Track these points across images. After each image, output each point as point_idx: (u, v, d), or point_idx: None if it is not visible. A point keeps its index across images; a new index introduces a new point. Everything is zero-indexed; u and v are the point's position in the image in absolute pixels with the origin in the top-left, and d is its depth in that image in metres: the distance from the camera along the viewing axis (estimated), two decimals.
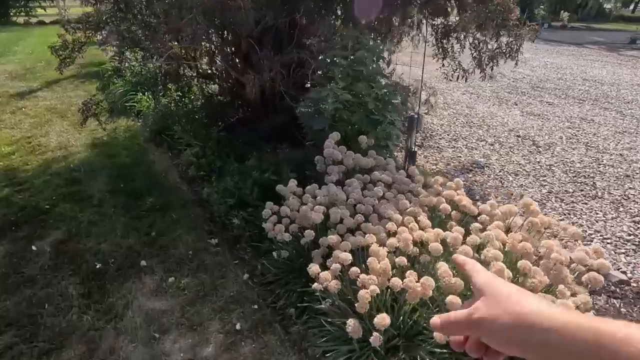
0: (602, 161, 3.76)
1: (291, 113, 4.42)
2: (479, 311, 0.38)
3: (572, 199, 3.08)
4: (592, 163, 3.72)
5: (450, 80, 3.09)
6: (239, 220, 2.40)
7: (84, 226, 2.60)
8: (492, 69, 3.07)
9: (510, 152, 3.99)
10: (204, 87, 4.22)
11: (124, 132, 4.45)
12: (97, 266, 2.22)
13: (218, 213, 2.68)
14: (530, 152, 4.00)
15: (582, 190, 3.20)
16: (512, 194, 3.07)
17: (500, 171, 3.54)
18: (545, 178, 3.41)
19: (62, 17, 4.51)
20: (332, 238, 1.64)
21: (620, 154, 3.92)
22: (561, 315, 0.34)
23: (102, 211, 2.79)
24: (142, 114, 4.82)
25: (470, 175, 3.44)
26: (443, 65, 3.10)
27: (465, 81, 3.14)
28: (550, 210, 2.92)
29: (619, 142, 4.28)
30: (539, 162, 3.73)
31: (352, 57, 2.64)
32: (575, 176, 3.44)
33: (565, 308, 0.44)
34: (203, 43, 3.87)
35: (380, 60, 2.61)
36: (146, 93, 4.83)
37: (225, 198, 2.56)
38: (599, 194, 3.15)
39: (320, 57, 2.94)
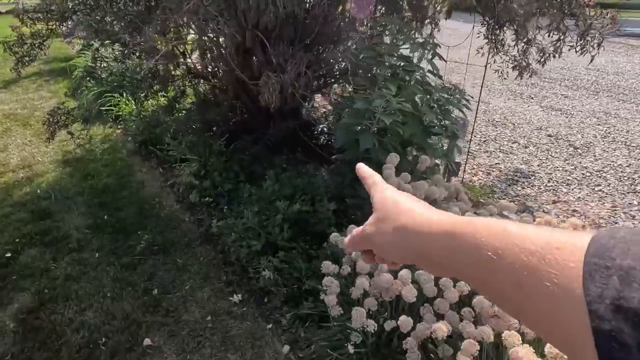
0: None
1: (298, 116, 3.83)
2: (370, 227, 0.40)
3: None
4: None
5: (505, 78, 2.61)
6: (271, 271, 1.84)
7: (59, 284, 1.97)
8: (544, 65, 2.61)
9: (550, 156, 3.57)
10: (198, 88, 3.57)
11: (101, 143, 3.75)
12: (81, 351, 1.62)
13: (237, 255, 2.11)
14: (570, 154, 3.60)
15: None
16: (574, 212, 2.64)
17: (549, 181, 3.11)
18: (600, 187, 3.01)
19: (16, 6, 3.69)
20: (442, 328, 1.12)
21: None
22: (430, 217, 0.36)
23: (82, 258, 2.16)
24: (122, 119, 4.12)
25: (518, 188, 3.00)
26: (495, 61, 2.61)
27: (521, 78, 2.66)
28: None
29: None
30: (585, 168, 3.33)
31: (395, 53, 2.09)
32: (632, 184, 3.06)
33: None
34: (193, 36, 3.22)
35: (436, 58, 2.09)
36: (125, 95, 4.12)
37: (248, 240, 1.99)
38: None
39: (341, 52, 2.38)
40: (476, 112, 2.35)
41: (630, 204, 2.79)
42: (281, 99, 2.43)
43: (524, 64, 2.55)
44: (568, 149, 3.73)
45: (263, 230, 2.02)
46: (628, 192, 2.94)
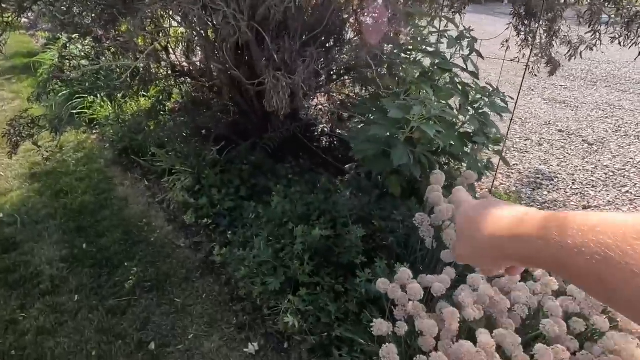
0: None
1: (296, 116, 3.48)
2: (453, 251, 0.44)
3: None
4: None
5: (536, 75, 2.36)
6: (293, 316, 1.53)
7: (30, 341, 1.60)
8: (573, 59, 2.36)
9: (567, 154, 3.38)
10: (185, 88, 3.17)
11: (74, 152, 3.31)
12: None
13: (247, 291, 1.78)
14: (587, 152, 3.42)
15: None
16: None
17: (573, 183, 2.91)
18: (627, 189, 2.83)
19: None
20: None
21: None
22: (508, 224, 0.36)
23: (58, 304, 1.79)
24: (98, 123, 3.66)
25: (544, 192, 2.78)
26: (524, 55, 2.34)
27: (555, 74, 2.41)
28: None
29: None
30: (606, 167, 3.15)
31: (427, 48, 1.79)
32: None
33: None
34: (178, 28, 2.82)
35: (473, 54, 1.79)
36: (100, 96, 3.65)
37: (262, 276, 1.67)
38: None
39: (359, 47, 2.06)
40: (512, 116, 2.08)
41: None
42: (290, 103, 2.10)
43: (557, 58, 2.30)
44: (582, 145, 3.55)
45: (279, 262, 1.70)
46: None
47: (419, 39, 1.76)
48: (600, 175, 3.02)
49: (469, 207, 0.42)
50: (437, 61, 1.72)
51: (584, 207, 2.60)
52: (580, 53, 2.33)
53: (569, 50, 2.41)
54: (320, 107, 3.77)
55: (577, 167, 3.15)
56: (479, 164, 1.75)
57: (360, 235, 1.64)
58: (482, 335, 1.03)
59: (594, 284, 0.27)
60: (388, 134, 1.64)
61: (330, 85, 3.31)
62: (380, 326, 1.11)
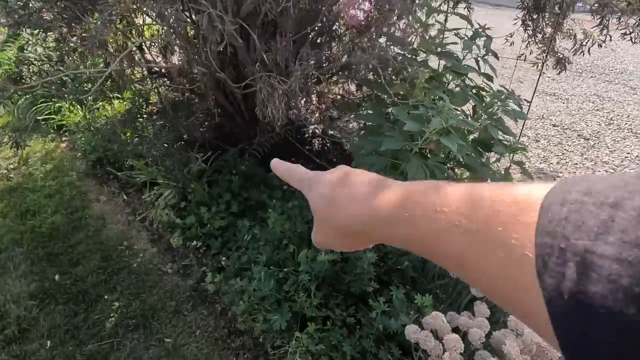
0: None
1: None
2: (313, 236, 0.38)
3: None
4: None
5: (543, 73, 2.23)
6: (303, 359, 1.35)
7: None
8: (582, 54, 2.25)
9: (565, 150, 3.30)
10: (165, 92, 2.90)
11: (42, 164, 2.99)
12: None
13: (247, 326, 1.59)
14: (585, 147, 3.36)
15: None
16: None
17: None
18: None
19: None
20: None
21: None
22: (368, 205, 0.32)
23: (27, 353, 1.55)
24: (67, 130, 3.34)
25: None
26: (531, 52, 2.21)
27: (565, 71, 2.29)
28: None
29: None
30: (606, 163, 3.09)
31: (438, 49, 1.61)
32: None
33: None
34: (150, 26, 2.55)
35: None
36: (69, 99, 3.32)
37: (265, 312, 1.48)
38: None
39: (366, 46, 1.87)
40: (524, 121, 1.94)
41: None
42: (285, 110, 1.89)
43: (564, 54, 2.17)
44: (579, 140, 3.49)
45: (283, 295, 1.52)
46: None
47: (428, 38, 1.58)
48: (602, 172, 2.96)
49: (323, 186, 0.35)
50: (449, 64, 1.55)
51: None
52: (589, 49, 2.22)
53: (574, 46, 2.30)
54: (309, 106, 3.56)
55: (577, 164, 3.08)
56: (497, 175, 1.60)
57: (372, 261, 1.47)
58: None
59: (453, 268, 0.26)
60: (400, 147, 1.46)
61: (322, 84, 3.10)
62: None
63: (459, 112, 1.46)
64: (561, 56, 2.21)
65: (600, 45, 2.15)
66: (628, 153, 3.24)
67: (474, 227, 0.23)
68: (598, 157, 3.19)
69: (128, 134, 2.85)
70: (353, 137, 3.73)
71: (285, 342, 1.47)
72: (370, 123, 1.78)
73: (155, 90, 2.90)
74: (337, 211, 0.33)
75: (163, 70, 2.78)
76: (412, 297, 1.47)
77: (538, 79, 2.01)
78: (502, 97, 1.66)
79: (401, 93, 1.60)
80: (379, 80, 1.72)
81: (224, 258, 1.84)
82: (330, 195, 0.34)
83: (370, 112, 1.78)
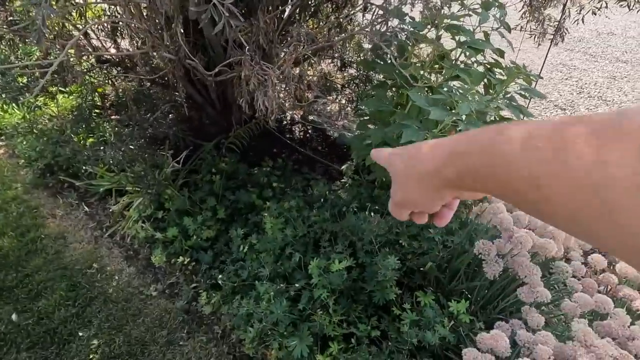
0: None
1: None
2: (393, 201, 0.40)
3: None
4: None
5: (540, 44, 2.12)
6: None
7: None
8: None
9: None
10: (119, 81, 2.51)
11: None
12: None
13: (256, 352, 1.40)
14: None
15: None
16: None
17: None
18: None
19: None
20: None
21: None
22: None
23: None
24: (4, 134, 2.85)
25: None
26: (530, 27, 2.09)
27: (563, 41, 2.19)
28: None
29: (620, 90, 3.95)
30: None
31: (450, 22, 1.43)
32: None
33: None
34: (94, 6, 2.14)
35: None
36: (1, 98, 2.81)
37: (279, 337, 1.28)
38: None
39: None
40: (543, 97, 1.83)
41: None
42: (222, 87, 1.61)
43: (562, 26, 2.07)
44: (556, 111, 3.52)
45: (298, 314, 1.33)
46: None
47: (441, 11, 1.39)
48: None
49: (400, 151, 0.39)
50: (464, 39, 1.38)
51: None
52: (582, 18, 2.15)
53: (562, 15, 2.21)
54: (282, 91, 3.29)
55: None
56: None
57: (395, 267, 1.32)
58: None
59: (533, 191, 0.24)
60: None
61: (300, 65, 2.84)
62: None
63: (482, 95, 1.30)
64: (562, 27, 2.11)
65: (594, 13, 2.08)
66: None
67: (555, 146, 0.22)
68: None
69: (81, 135, 2.46)
70: (334, 121, 3.52)
71: None
72: (375, 110, 1.58)
73: (109, 82, 2.50)
74: (418, 160, 0.35)
75: (114, 57, 2.39)
76: (440, 302, 1.34)
77: (546, 54, 1.90)
78: (519, 74, 1.52)
79: (406, 75, 1.41)
80: (372, 58, 1.52)
81: (219, 274, 1.60)
82: (411, 153, 0.37)
83: (374, 97, 1.57)
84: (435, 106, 1.21)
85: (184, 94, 2.22)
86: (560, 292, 1.14)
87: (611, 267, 1.21)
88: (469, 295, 1.32)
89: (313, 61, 2.64)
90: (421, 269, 1.43)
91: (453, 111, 1.20)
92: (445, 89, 1.26)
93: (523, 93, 1.46)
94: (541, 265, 1.13)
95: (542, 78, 1.66)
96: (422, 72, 1.44)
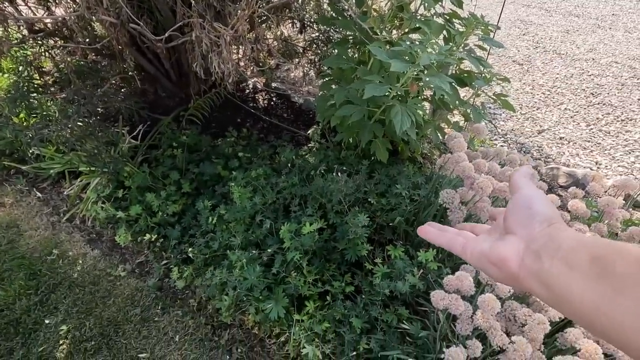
0: (590, 71, 3.48)
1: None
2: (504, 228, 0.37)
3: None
4: (589, 77, 3.40)
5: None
6: (311, 344, 1.22)
7: None
8: None
9: None
10: (59, 53, 2.28)
11: None
12: None
13: (233, 320, 1.40)
14: (521, 73, 3.47)
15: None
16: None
17: (520, 107, 2.92)
18: (565, 105, 2.94)
19: None
20: None
21: (594, 59, 3.71)
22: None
23: None
24: None
25: (501, 122, 2.74)
26: None
27: None
28: None
29: (573, 43, 4.09)
30: (541, 86, 3.23)
31: None
32: (586, 96, 3.06)
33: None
34: None
35: None
36: None
37: (255, 302, 1.29)
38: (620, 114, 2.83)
39: None
40: (501, 47, 1.84)
41: (598, 118, 2.78)
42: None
43: None
44: (514, 66, 3.60)
45: (273, 279, 1.33)
46: (588, 106, 2.94)
47: None
48: (540, 95, 3.10)
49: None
50: None
51: (539, 132, 2.64)
52: None
53: None
54: (246, 56, 3.15)
55: (518, 90, 3.19)
56: (479, 112, 1.51)
57: (365, 224, 1.33)
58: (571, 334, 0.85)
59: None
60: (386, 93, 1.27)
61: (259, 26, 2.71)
62: (457, 357, 0.86)
63: (442, 46, 1.29)
64: None
65: None
66: (557, 74, 3.43)
67: None
68: (534, 80, 3.33)
69: (22, 116, 2.25)
70: (298, 87, 3.43)
71: (285, 328, 1.32)
72: (337, 68, 1.54)
73: (47, 55, 2.27)
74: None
75: (50, 26, 2.16)
76: (410, 254, 1.38)
77: (503, 6, 1.89)
78: (477, 25, 1.51)
79: (366, 27, 1.37)
80: (341, 15, 1.46)
81: (189, 248, 1.57)
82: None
83: (339, 56, 1.52)
84: (396, 58, 1.18)
85: (132, 63, 2.06)
86: None
87: (564, 208, 1.29)
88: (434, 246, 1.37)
89: (271, 22, 2.52)
90: (390, 224, 1.46)
91: (414, 63, 1.18)
92: (407, 42, 1.23)
93: (482, 44, 1.46)
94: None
95: (499, 28, 1.66)
96: (381, 26, 1.40)
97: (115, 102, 2.31)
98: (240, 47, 1.48)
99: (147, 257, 1.73)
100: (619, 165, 2.29)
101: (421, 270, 1.28)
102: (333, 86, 1.65)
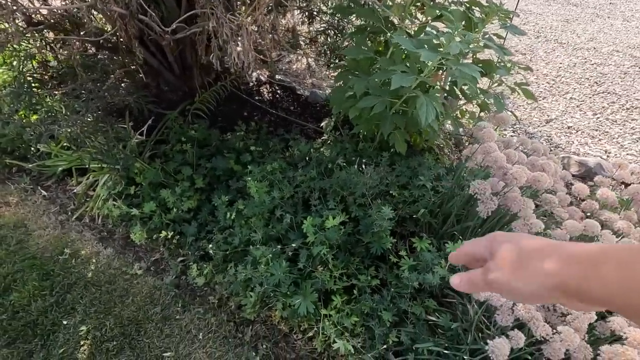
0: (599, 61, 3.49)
1: (221, 66, 2.88)
2: (492, 273, 0.39)
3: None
4: (592, 66, 3.41)
5: None
6: (342, 338, 1.21)
7: None
8: None
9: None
10: (60, 47, 2.21)
11: None
12: None
13: (257, 315, 1.38)
14: (524, 63, 3.47)
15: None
16: None
17: None
18: (570, 95, 2.95)
19: None
20: None
21: (595, 48, 3.72)
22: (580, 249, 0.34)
23: None
24: None
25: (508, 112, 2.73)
26: None
27: None
28: None
29: (574, 32, 4.09)
30: (546, 75, 3.24)
31: None
32: (590, 85, 3.07)
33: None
34: None
35: None
36: None
37: (282, 297, 1.27)
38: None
39: None
40: (523, 34, 1.82)
41: (603, 107, 2.79)
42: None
43: None
44: (518, 56, 3.60)
45: (298, 274, 1.31)
46: (593, 95, 2.95)
47: None
48: (545, 85, 3.10)
49: (520, 237, 0.39)
50: None
51: (547, 122, 2.64)
52: None
53: None
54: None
55: (523, 80, 3.18)
56: (500, 101, 1.50)
57: (390, 217, 1.32)
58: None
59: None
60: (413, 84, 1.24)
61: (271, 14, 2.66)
62: (502, 348, 0.86)
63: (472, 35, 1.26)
64: None
65: None
66: (560, 63, 3.44)
67: None
68: (538, 70, 3.33)
69: (23, 111, 2.18)
70: (302, 80, 3.39)
71: (312, 323, 1.30)
72: (355, 58, 1.51)
73: (48, 49, 2.20)
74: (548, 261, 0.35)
75: (48, 18, 2.09)
76: (434, 246, 1.37)
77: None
78: (498, 12, 1.49)
79: (391, 15, 1.34)
80: (358, 4, 1.42)
81: (208, 244, 1.54)
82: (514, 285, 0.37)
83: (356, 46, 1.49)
84: (423, 47, 1.16)
85: (141, 55, 2.00)
86: (550, 222, 1.21)
87: (592, 195, 1.29)
88: (461, 237, 1.37)
89: (280, 11, 2.47)
90: (413, 216, 1.45)
91: (442, 50, 1.16)
92: (433, 31, 1.21)
93: (499, 33, 1.44)
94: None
95: (518, 15, 1.64)
96: (403, 14, 1.37)
97: (121, 97, 2.25)
98: (258, 35, 1.44)
99: (162, 255, 1.70)
100: (627, 154, 2.31)
101: (448, 262, 1.27)
102: (350, 77, 1.62)
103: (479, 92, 1.49)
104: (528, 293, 0.36)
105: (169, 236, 1.63)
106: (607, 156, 2.29)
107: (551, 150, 2.30)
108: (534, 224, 1.06)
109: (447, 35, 1.14)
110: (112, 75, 2.23)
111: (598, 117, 2.68)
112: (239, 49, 1.28)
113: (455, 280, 0.43)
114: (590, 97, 2.91)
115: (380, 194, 1.47)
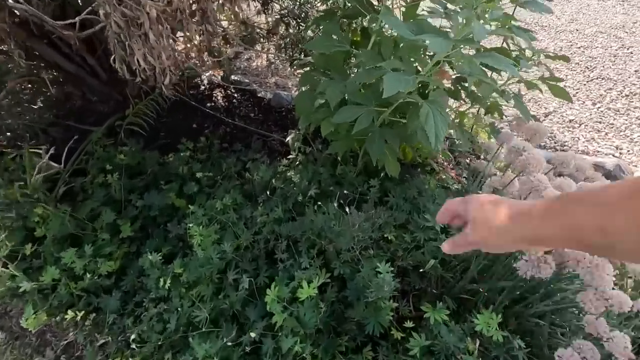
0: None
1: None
2: (472, 235, 0.48)
3: None
4: (579, 49, 3.15)
5: None
6: None
7: None
8: None
9: None
10: None
11: None
12: None
13: None
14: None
15: None
16: None
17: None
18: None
19: None
20: None
21: (577, 30, 3.47)
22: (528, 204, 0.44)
23: None
24: None
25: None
26: None
27: None
28: None
29: (552, 14, 3.84)
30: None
31: None
32: (584, 70, 2.80)
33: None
34: None
35: None
36: None
37: None
38: None
39: None
40: (551, 13, 1.44)
41: (601, 95, 2.51)
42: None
43: None
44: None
45: None
46: (587, 81, 2.67)
47: None
48: (535, 73, 2.80)
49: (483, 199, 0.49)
50: None
51: (545, 115, 2.32)
52: None
53: None
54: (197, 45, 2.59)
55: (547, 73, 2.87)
56: (524, 106, 1.12)
57: (390, 281, 0.91)
58: None
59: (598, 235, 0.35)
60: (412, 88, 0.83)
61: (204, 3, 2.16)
62: None
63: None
64: None
65: None
66: (545, 47, 3.15)
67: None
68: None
69: None
70: (263, 79, 2.92)
71: None
72: (325, 53, 1.08)
73: None
74: (500, 222, 0.45)
75: None
76: (454, 310, 0.98)
77: None
78: None
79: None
80: None
81: (134, 328, 1.08)
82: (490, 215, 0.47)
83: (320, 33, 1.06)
84: (429, 33, 0.75)
85: (52, 59, 1.48)
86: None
87: None
88: (486, 294, 0.98)
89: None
90: (420, 269, 1.05)
91: (456, 37, 0.75)
92: (437, 6, 0.80)
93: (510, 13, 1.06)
94: None
95: None
96: None
97: (27, 115, 1.73)
98: (176, 24, 0.99)
99: (76, 337, 1.22)
100: None
101: (478, 342, 0.88)
102: (319, 79, 1.19)
103: (495, 94, 1.10)
104: (499, 247, 0.48)
105: (79, 318, 1.15)
106: (620, 153, 2.00)
107: (557, 150, 1.98)
108: (616, 298, 0.69)
109: (465, 12, 0.74)
110: (6, 87, 1.68)
111: (598, 107, 2.39)
112: (146, 46, 0.82)
113: (446, 247, 0.52)
114: (584, 85, 2.63)
115: (371, 240, 1.05)
